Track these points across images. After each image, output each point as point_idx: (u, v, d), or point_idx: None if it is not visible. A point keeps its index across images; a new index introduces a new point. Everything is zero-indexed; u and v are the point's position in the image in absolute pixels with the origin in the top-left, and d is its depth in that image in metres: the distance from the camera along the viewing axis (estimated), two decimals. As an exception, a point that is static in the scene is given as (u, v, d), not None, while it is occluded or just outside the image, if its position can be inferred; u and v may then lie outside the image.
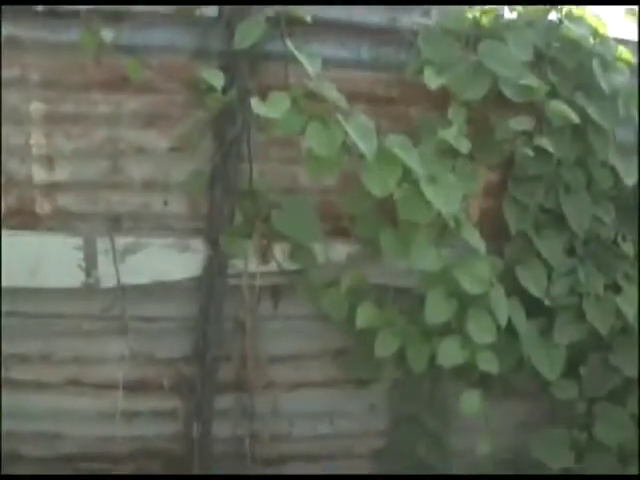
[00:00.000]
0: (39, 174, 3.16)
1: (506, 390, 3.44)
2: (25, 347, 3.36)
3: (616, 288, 3.44)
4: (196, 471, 3.44)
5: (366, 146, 2.90)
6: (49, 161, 3.15)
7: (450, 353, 3.10)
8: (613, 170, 3.49)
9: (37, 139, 3.13)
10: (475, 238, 3.17)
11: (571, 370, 3.44)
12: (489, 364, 3.16)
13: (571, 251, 3.45)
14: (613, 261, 3.48)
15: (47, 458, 3.53)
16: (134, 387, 3.38)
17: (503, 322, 3.18)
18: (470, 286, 3.06)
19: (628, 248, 3.49)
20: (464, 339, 3.11)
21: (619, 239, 3.51)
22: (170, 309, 3.29)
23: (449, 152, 3.19)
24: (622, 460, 3.50)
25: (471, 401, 3.15)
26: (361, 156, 2.91)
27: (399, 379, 3.42)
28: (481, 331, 3.12)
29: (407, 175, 2.97)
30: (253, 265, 3.19)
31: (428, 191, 2.96)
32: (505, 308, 3.19)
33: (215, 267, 3.17)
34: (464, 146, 3.11)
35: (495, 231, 3.39)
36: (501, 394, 3.42)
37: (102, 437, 3.46)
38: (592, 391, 3.45)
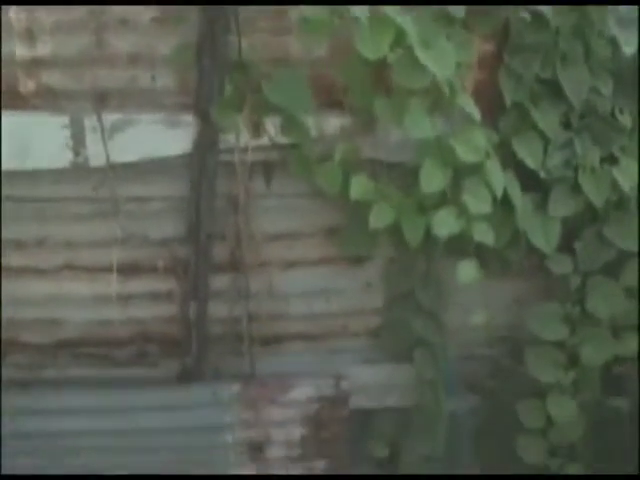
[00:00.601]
0: (21, 50, 3.03)
1: (502, 266, 3.39)
2: (20, 232, 3.27)
3: (612, 160, 3.36)
4: (194, 353, 3.41)
5: (359, 8, 2.80)
6: (30, 36, 3.03)
7: (446, 223, 3.00)
8: (612, 41, 3.37)
9: (16, 12, 3.01)
10: (470, 105, 3.04)
11: (566, 244, 3.37)
12: (484, 235, 3.07)
13: (567, 123, 3.34)
14: (610, 133, 3.36)
15: (47, 344, 3.46)
16: (129, 270, 3.31)
17: (499, 193, 3.09)
18: (465, 154, 2.96)
19: (626, 120, 3.37)
20: (460, 209, 3.02)
21: (617, 111, 3.38)
22: (162, 188, 3.19)
23: (443, 19, 3.07)
24: (614, 334, 3.48)
25: (467, 271, 3.07)
26: (354, 19, 2.81)
27: (394, 256, 3.36)
28: (477, 201, 3.03)
29: (401, 39, 2.84)
30: (245, 140, 3.09)
31: (422, 55, 2.83)
32: (501, 179, 3.09)
33: (206, 142, 3.06)
34: (458, 9, 2.99)
35: (490, 104, 3.25)
36: (497, 270, 3.38)
37: (100, 321, 3.39)
38: (586, 265, 3.38)
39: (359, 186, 3.02)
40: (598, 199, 3.28)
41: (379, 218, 3.05)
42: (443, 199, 3.07)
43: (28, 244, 3.29)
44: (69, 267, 3.34)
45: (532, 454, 3.48)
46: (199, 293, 3.26)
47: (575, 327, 3.39)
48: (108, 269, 3.27)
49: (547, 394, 3.40)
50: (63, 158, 3.06)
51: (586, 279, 3.38)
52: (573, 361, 3.41)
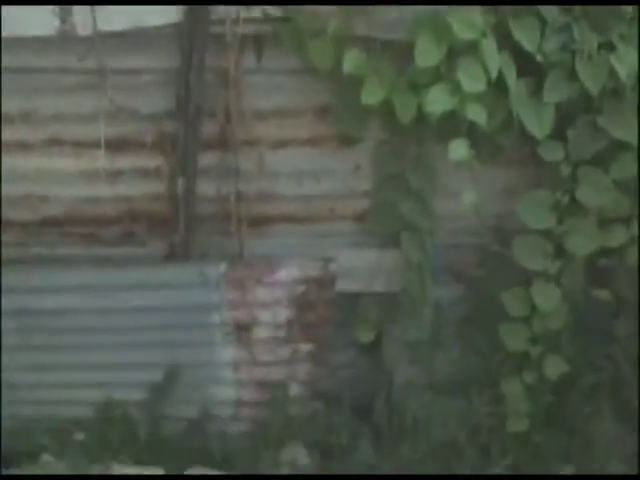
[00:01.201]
0: None
1: (493, 151, 3.28)
2: (6, 105, 3.16)
3: (611, 47, 3.21)
4: (182, 231, 3.36)
5: None
6: None
7: (439, 99, 2.90)
8: None
9: None
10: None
11: (559, 132, 3.26)
12: (477, 115, 2.96)
13: (567, 8, 3.20)
14: (609, 20, 3.22)
15: (33, 222, 3.39)
16: (116, 145, 3.22)
17: (494, 73, 2.96)
18: (461, 31, 2.83)
19: (627, 7, 3.27)
20: (453, 87, 2.90)
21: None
22: (150, 60, 3.08)
23: None
24: (602, 225, 3.42)
25: (458, 149, 2.98)
26: None
27: (385, 138, 3.26)
28: (471, 80, 2.91)
29: None
30: (236, 10, 2.99)
31: None
32: (496, 59, 2.95)
33: (197, 12, 2.93)
34: None
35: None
36: (488, 156, 3.28)
37: (87, 198, 3.33)
38: (578, 154, 3.26)
39: (352, 59, 2.90)
40: (594, 86, 3.15)
41: (371, 94, 2.93)
42: (437, 77, 2.95)
43: (13, 118, 3.20)
44: (56, 142, 3.25)
45: (514, 342, 3.44)
46: (187, 170, 3.19)
47: (563, 216, 3.32)
48: (96, 144, 3.19)
49: (532, 282, 3.40)
50: (49, 25, 2.94)
51: (577, 168, 3.30)
52: (560, 250, 3.36)
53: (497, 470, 3.38)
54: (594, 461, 3.50)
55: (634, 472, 3.44)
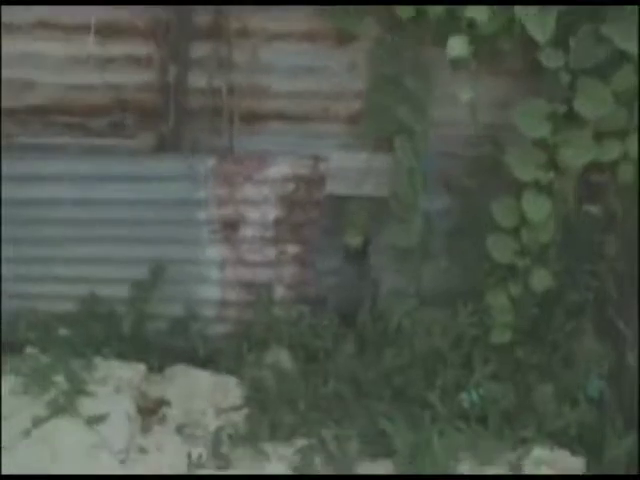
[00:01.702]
0: None
1: (493, 56, 3.17)
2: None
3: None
4: (171, 123, 3.22)
5: None
6: None
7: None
8: None
9: None
10: None
11: (561, 41, 3.16)
12: (478, 12, 2.83)
13: None
14: None
15: (18, 109, 3.29)
16: (107, 31, 3.10)
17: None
18: None
19: None
20: (454, -18, 2.85)
21: None
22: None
23: None
24: (597, 138, 3.30)
25: (457, 46, 2.88)
26: None
27: (382, 37, 3.15)
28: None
29: None
30: None
31: None
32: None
33: None
34: None
35: None
36: (487, 61, 3.17)
37: (75, 86, 3.23)
38: (579, 62, 3.14)
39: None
40: (599, -10, 3.11)
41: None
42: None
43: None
44: (43, 25, 3.12)
45: (502, 253, 3.38)
46: (179, 58, 3.08)
47: (559, 127, 3.23)
48: (85, 29, 3.09)
49: (523, 193, 3.35)
50: None
51: (576, 78, 3.20)
52: (553, 162, 3.29)
53: (478, 378, 3.41)
54: (574, 378, 3.54)
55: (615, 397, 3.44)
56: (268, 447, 3.13)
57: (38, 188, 3.32)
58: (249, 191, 3.28)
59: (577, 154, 3.27)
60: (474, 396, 3.37)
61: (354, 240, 3.47)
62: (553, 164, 3.29)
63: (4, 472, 2.97)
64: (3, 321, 3.56)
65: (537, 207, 3.30)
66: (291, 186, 3.29)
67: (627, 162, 3.32)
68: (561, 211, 3.36)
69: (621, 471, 3.20)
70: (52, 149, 3.29)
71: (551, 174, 3.27)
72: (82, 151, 3.29)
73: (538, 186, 3.28)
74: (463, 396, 3.33)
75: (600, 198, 3.50)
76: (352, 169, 3.34)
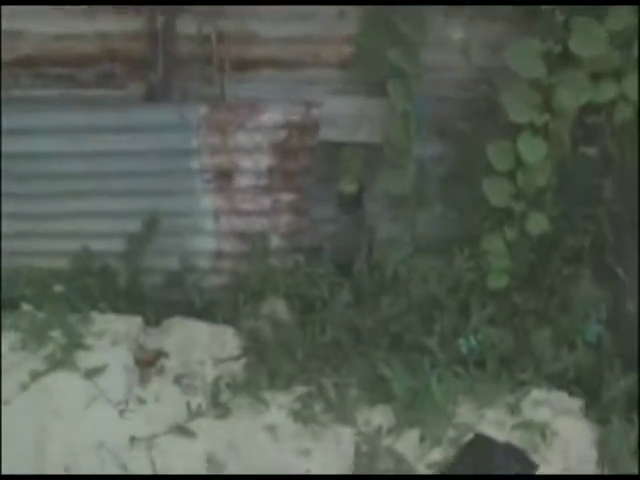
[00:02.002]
0: None
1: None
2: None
3: None
4: (161, 71, 3.17)
5: None
6: None
7: None
8: None
9: None
10: None
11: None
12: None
13: None
14: None
15: (8, 61, 3.20)
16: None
17: None
18: None
19: None
20: None
21: None
22: None
23: None
24: (593, 78, 3.30)
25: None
26: None
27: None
28: None
29: None
30: None
31: None
32: None
33: None
34: None
35: None
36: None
37: (64, 35, 3.15)
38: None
39: None
40: None
41: None
42: None
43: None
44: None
45: (498, 197, 3.34)
46: (167, 5, 3.03)
47: (554, 67, 3.18)
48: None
49: (519, 135, 3.30)
50: None
51: (571, 17, 3.17)
52: (548, 103, 3.26)
53: (474, 323, 3.39)
54: (571, 322, 3.53)
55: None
56: (267, 395, 3.11)
57: (27, 142, 3.27)
58: (241, 139, 3.23)
59: (572, 95, 3.21)
60: (472, 341, 3.35)
61: (348, 187, 3.42)
62: (548, 106, 3.25)
63: (3, 423, 2.97)
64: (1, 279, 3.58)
65: (533, 149, 3.25)
66: (284, 133, 3.24)
67: (624, 103, 3.32)
68: (557, 153, 3.31)
69: (619, 413, 3.23)
70: (42, 101, 3.24)
71: (546, 116, 3.22)
72: (72, 103, 3.24)
73: (534, 128, 3.23)
74: (461, 341, 3.32)
75: (596, 140, 3.48)
76: (345, 115, 3.28)
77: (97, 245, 3.50)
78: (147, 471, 2.82)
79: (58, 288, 3.56)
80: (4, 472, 2.83)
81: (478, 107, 3.38)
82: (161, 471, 2.82)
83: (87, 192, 3.37)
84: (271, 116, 3.21)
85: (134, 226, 3.43)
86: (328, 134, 3.30)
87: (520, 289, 3.51)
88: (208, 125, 3.20)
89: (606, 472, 2.98)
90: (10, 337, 3.25)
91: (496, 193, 3.37)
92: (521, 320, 3.49)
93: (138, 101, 3.21)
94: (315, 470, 2.87)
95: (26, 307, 3.47)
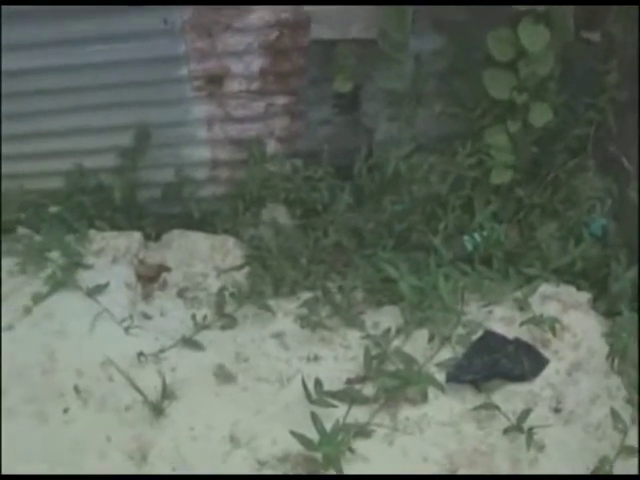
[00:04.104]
0: None
1: None
2: None
3: None
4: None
5: None
6: None
7: None
8: None
9: None
10: None
11: None
12: None
13: None
14: None
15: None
16: None
17: None
18: None
19: None
20: None
21: None
22: None
23: None
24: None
25: None
26: None
27: None
28: None
29: None
30: None
31: None
32: None
33: None
34: None
35: None
36: None
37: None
38: None
39: None
40: None
41: None
42: None
43: None
44: None
45: (499, 89, 3.18)
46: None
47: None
48: None
49: (520, 23, 3.14)
50: None
51: None
52: (549, -13, 3.14)
53: (478, 220, 3.31)
54: (577, 216, 3.44)
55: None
56: (272, 303, 3.05)
57: (6, 58, 3.07)
58: (230, 41, 3.06)
59: None
60: (477, 238, 3.26)
61: (344, 86, 3.24)
62: (550, -11, 3.14)
63: (8, 349, 2.91)
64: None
65: (535, 37, 3.08)
66: (274, 33, 3.06)
67: (629, -19, 3.15)
68: (560, 39, 3.18)
69: (626, 304, 3.18)
70: (15, 15, 3.01)
71: (548, 0, 3.13)
72: (48, 15, 3.02)
73: (535, 14, 3.07)
74: (466, 238, 3.26)
75: (599, 24, 3.35)
76: (337, 11, 3.07)
77: (89, 162, 3.38)
78: (157, 386, 2.78)
79: (53, 209, 3.46)
80: (14, 415, 2.75)
81: (476, -5, 3.27)
82: (171, 385, 2.80)
83: (71, 108, 3.22)
84: (259, 15, 3.02)
85: (125, 140, 3.30)
86: (320, 32, 3.11)
87: (524, 183, 3.42)
88: (194, 29, 3.02)
89: (616, 364, 2.96)
90: (8, 262, 3.16)
91: (497, 85, 3.21)
92: (526, 215, 3.41)
93: (117, 8, 2.98)
94: (325, 376, 2.83)
95: (22, 230, 3.37)
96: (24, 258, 3.19)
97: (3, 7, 3.04)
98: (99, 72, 3.14)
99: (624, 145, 3.40)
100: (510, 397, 2.81)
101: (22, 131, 3.29)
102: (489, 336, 2.98)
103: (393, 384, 2.77)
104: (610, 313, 3.15)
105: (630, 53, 3.30)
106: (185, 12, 3.01)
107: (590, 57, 3.35)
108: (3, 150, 3.35)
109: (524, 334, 2.96)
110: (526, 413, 2.70)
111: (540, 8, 3.05)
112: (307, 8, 3.08)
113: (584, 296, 3.14)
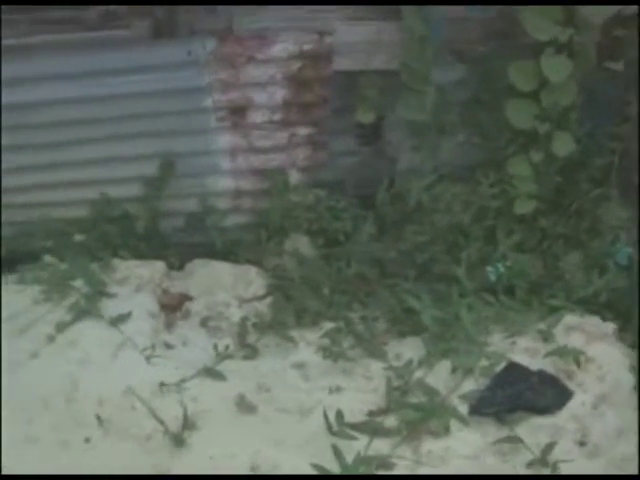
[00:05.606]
0: None
1: None
2: None
3: None
4: (165, 8, 3.04)
5: None
6: None
7: None
8: None
9: None
10: None
11: None
12: None
13: None
14: None
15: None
16: None
17: None
18: None
19: None
20: None
21: None
22: None
23: None
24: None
25: None
26: None
27: None
28: None
29: None
30: None
31: None
32: None
33: None
34: None
35: None
36: None
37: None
38: None
39: None
40: None
41: None
42: None
43: None
44: None
45: (522, 119, 3.19)
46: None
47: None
48: None
49: (542, 53, 3.15)
50: None
51: None
52: (571, 17, 3.11)
53: (502, 250, 3.30)
54: (601, 245, 3.40)
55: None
56: (294, 333, 3.03)
57: (32, 91, 3.13)
58: (253, 72, 3.08)
59: (597, 6, 3.11)
60: (500, 268, 3.24)
61: (366, 117, 3.26)
62: (570, 19, 3.12)
63: (32, 377, 2.94)
64: (18, 233, 3.42)
65: (557, 67, 3.07)
66: (297, 64, 3.08)
67: (653, 9, 3.13)
68: (582, 69, 3.18)
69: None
70: (42, 48, 3.07)
71: (570, 30, 3.10)
72: (75, 47, 3.08)
73: (557, 44, 3.09)
74: (489, 269, 3.24)
75: (622, 54, 3.34)
76: (360, 42, 3.11)
77: (114, 191, 3.39)
78: (178, 416, 2.77)
79: (78, 237, 3.48)
80: (37, 443, 2.75)
81: (497, 26, 3.26)
82: (192, 415, 2.80)
83: (97, 138, 3.24)
84: (283, 47, 3.05)
85: (150, 170, 3.31)
86: (342, 63, 3.14)
87: (547, 213, 3.41)
88: (218, 60, 3.05)
89: (642, 397, 2.94)
90: (33, 290, 3.17)
91: (520, 115, 3.21)
92: (549, 245, 3.38)
93: (144, 40, 3.04)
94: (346, 407, 2.81)
95: (47, 258, 3.39)
96: (49, 286, 3.22)
97: (34, 40, 3.11)
98: (125, 103, 3.16)
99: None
100: (534, 430, 2.75)
101: (50, 161, 3.32)
102: (512, 368, 2.93)
103: (415, 416, 2.74)
104: (636, 344, 3.14)
105: (653, 82, 3.34)
106: (209, 44, 3.05)
107: (613, 86, 3.39)
108: (31, 179, 3.40)
109: (548, 366, 2.91)
110: (550, 446, 2.64)
111: (563, 38, 3.09)
112: (330, 39, 3.12)
113: (609, 327, 3.09)
